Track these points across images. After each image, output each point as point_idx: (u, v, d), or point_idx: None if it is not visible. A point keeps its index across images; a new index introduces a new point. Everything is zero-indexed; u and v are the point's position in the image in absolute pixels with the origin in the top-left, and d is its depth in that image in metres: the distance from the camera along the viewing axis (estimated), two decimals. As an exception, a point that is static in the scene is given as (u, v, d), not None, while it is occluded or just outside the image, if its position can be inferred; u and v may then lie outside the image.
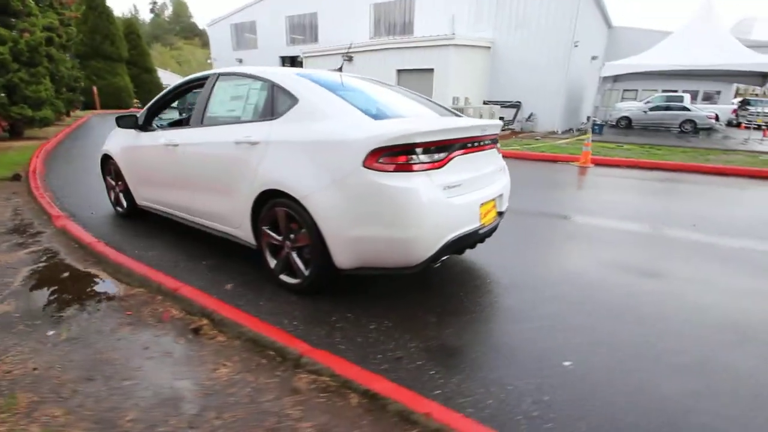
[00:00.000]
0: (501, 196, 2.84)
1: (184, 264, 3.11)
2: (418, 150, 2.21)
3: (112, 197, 4.44)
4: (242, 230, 2.89)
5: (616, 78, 16.67)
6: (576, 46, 16.59)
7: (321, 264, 2.47)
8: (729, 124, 20.69)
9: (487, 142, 2.71)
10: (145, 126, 3.72)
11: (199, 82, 3.46)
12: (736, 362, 2.00)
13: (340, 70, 3.36)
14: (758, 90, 19.13)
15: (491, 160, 2.82)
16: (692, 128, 17.23)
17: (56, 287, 2.71)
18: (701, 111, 18.03)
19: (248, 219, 2.78)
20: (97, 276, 2.87)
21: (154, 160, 3.54)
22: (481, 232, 2.55)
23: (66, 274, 2.90)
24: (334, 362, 1.77)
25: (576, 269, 3.21)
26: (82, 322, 2.24)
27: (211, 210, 3.10)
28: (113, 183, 4.34)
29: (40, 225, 3.96)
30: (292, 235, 2.58)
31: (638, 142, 13.00)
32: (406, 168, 2.18)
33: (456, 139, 2.39)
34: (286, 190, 2.44)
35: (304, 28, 23.52)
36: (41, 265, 3.05)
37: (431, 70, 15.29)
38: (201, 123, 3.15)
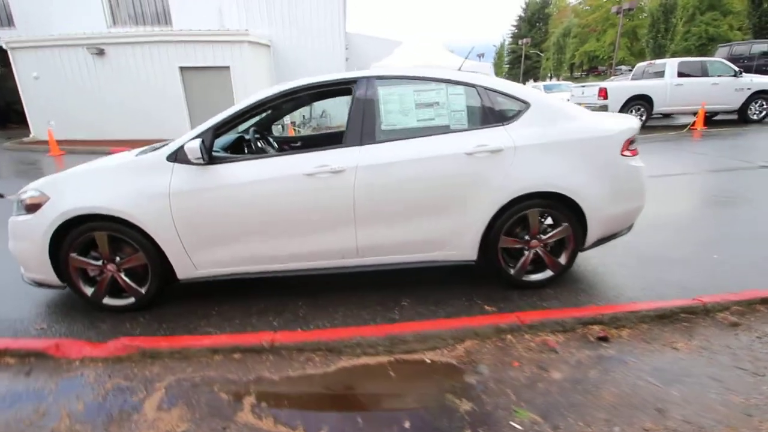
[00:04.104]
0: None
1: (403, 313, 2.51)
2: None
3: (91, 289, 2.62)
4: (460, 248, 2.66)
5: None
6: (347, 48, 18.69)
7: (576, 250, 2.73)
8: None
9: None
10: (211, 157, 2.48)
11: (314, 91, 2.67)
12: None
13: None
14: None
15: None
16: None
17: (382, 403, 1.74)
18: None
19: (479, 233, 2.61)
20: (373, 366, 1.95)
21: (269, 200, 2.47)
22: None
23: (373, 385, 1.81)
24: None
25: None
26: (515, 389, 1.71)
27: (406, 239, 2.60)
28: (94, 264, 2.57)
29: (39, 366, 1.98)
30: (541, 234, 2.67)
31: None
32: (635, 152, 2.76)
33: None
34: (556, 190, 2.53)
35: (-22, 7, 16.00)
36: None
37: (227, 68, 13.89)
38: (374, 139, 2.52)
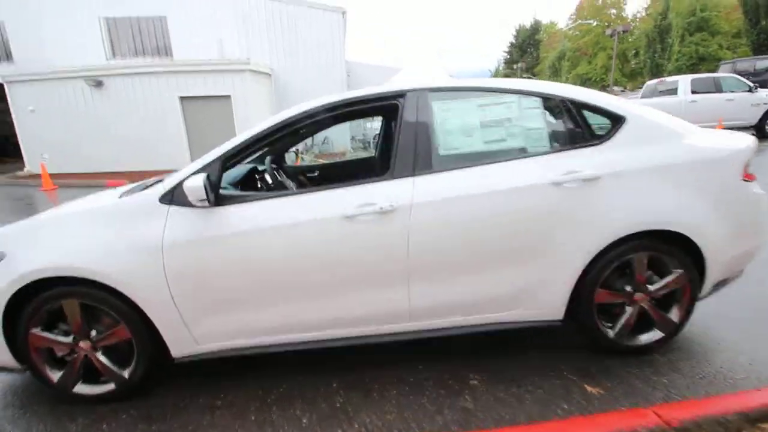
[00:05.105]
0: None
1: (477, 400, 1.85)
2: None
3: (59, 374, 1.97)
4: (542, 306, 2.04)
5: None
6: (348, 76, 18.57)
7: (692, 302, 2.11)
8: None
9: None
10: (218, 196, 1.89)
11: (351, 108, 2.12)
12: None
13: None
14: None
15: None
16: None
17: None
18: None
19: (569, 285, 2.00)
20: None
21: (297, 251, 1.87)
22: None
23: None
24: None
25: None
26: None
27: (474, 297, 1.98)
28: (62, 341, 1.94)
29: None
30: (649, 285, 2.06)
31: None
32: (753, 177, 2.18)
33: None
34: (671, 228, 1.94)
35: (-26, 42, 15.87)
36: None
37: (228, 97, 13.58)
38: (430, 167, 1.94)
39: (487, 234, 1.91)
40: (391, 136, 2.96)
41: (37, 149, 13.26)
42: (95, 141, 13.23)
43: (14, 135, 13.80)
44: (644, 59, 27.99)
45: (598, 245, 1.93)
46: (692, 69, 31.89)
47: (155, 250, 1.83)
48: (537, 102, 2.05)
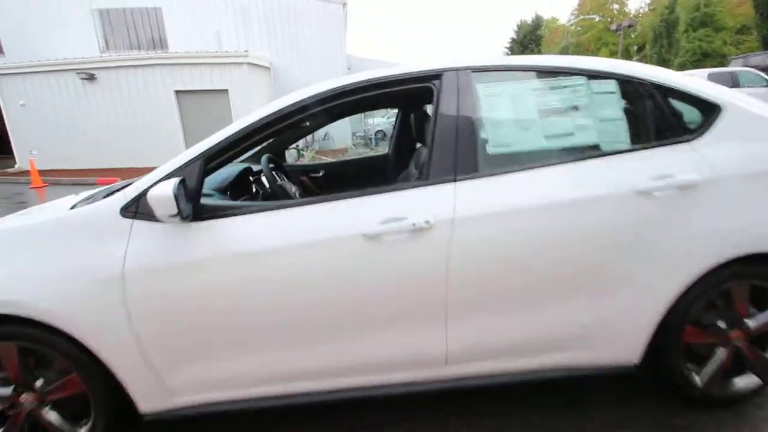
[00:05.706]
0: None
1: None
2: None
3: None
4: (614, 347, 1.60)
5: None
6: (349, 69, 18.07)
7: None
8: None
9: None
10: (198, 207, 1.44)
11: (373, 93, 1.64)
12: None
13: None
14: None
15: None
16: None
17: None
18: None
19: (653, 321, 1.56)
20: None
21: (303, 281, 1.42)
22: None
23: None
24: None
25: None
26: None
27: (530, 336, 1.54)
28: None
29: None
30: (748, 320, 1.61)
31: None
32: None
33: None
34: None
35: (-38, 34, 15.32)
36: None
37: (225, 91, 13.09)
38: (476, 170, 1.49)
39: (551, 257, 1.47)
40: (410, 130, 2.52)
41: (28, 145, 12.76)
42: (87, 137, 12.77)
43: (5, 130, 13.34)
44: (651, 54, 27.41)
45: (696, 271, 1.49)
46: (696, 65, 31.36)
47: (113, 278, 1.38)
48: (612, 85, 1.60)
